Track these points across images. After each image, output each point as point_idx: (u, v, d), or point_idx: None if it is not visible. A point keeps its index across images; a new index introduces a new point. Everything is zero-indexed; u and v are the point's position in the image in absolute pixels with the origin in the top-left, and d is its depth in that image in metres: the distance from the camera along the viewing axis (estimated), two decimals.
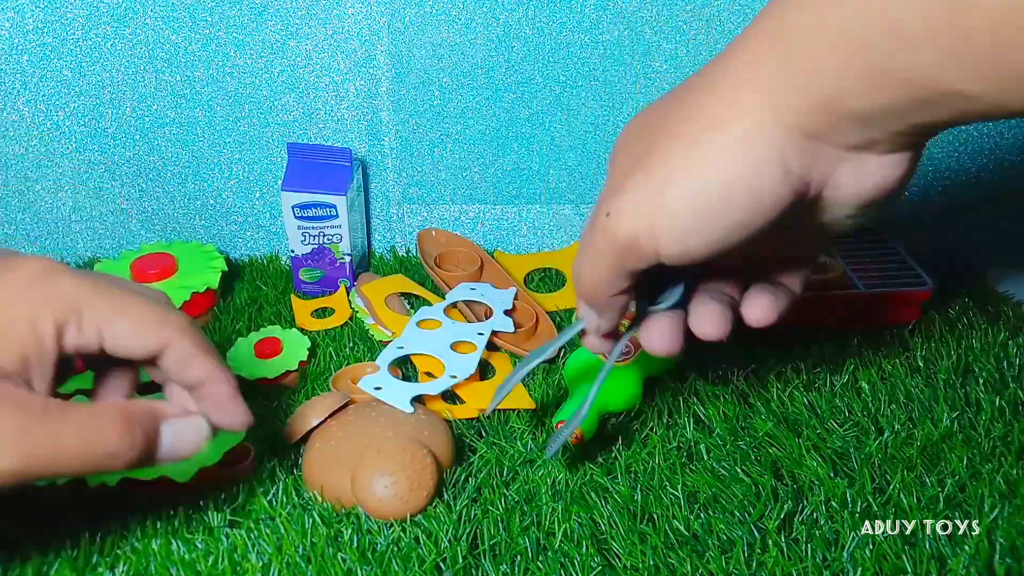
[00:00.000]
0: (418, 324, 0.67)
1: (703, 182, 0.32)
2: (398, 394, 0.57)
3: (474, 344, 0.65)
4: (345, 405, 0.57)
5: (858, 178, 0.33)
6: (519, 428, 0.58)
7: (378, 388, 0.58)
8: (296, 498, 0.51)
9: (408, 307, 0.71)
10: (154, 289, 0.43)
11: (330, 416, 0.56)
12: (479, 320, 0.69)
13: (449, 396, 0.62)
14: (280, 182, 0.73)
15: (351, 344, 0.69)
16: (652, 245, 0.34)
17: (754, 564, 0.46)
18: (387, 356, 0.62)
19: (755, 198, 0.31)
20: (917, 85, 0.28)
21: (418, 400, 0.57)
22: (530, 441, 0.57)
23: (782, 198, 0.32)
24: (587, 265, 0.38)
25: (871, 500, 0.50)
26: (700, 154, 0.32)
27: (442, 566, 0.47)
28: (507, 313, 0.70)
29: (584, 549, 0.47)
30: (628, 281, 0.37)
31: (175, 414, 0.40)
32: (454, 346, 0.65)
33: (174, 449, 0.40)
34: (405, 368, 0.64)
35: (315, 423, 0.55)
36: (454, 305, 0.70)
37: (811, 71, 0.30)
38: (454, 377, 0.61)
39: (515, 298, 0.72)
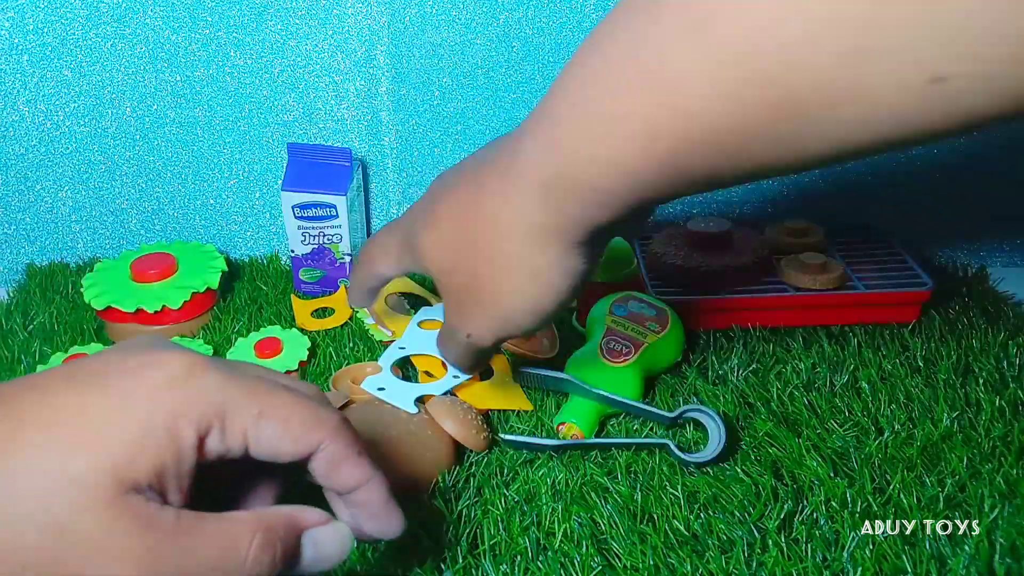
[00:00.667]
0: (419, 325, 0.67)
1: (531, 301, 0.42)
2: (402, 395, 0.57)
3: None
4: (344, 405, 0.57)
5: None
6: (519, 428, 0.58)
7: (381, 389, 0.58)
8: None
9: (408, 307, 0.71)
10: (306, 383, 0.39)
11: None
12: None
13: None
14: (280, 182, 0.73)
15: (351, 344, 0.69)
16: (502, 339, 0.46)
17: (754, 564, 0.46)
18: (389, 357, 0.62)
19: (565, 298, 0.42)
20: (700, 175, 0.33)
21: (420, 400, 0.57)
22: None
23: (577, 285, 0.42)
24: (457, 357, 0.50)
25: (871, 500, 0.50)
26: (521, 286, 0.41)
27: (442, 566, 0.47)
28: None
29: (584, 549, 0.47)
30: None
31: (316, 521, 0.36)
32: None
33: (315, 563, 0.36)
34: (405, 368, 0.64)
35: None
36: None
37: (576, 190, 0.36)
38: (456, 377, 0.60)
39: None
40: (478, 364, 0.51)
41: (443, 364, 0.62)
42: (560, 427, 0.57)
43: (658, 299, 0.65)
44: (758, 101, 0.28)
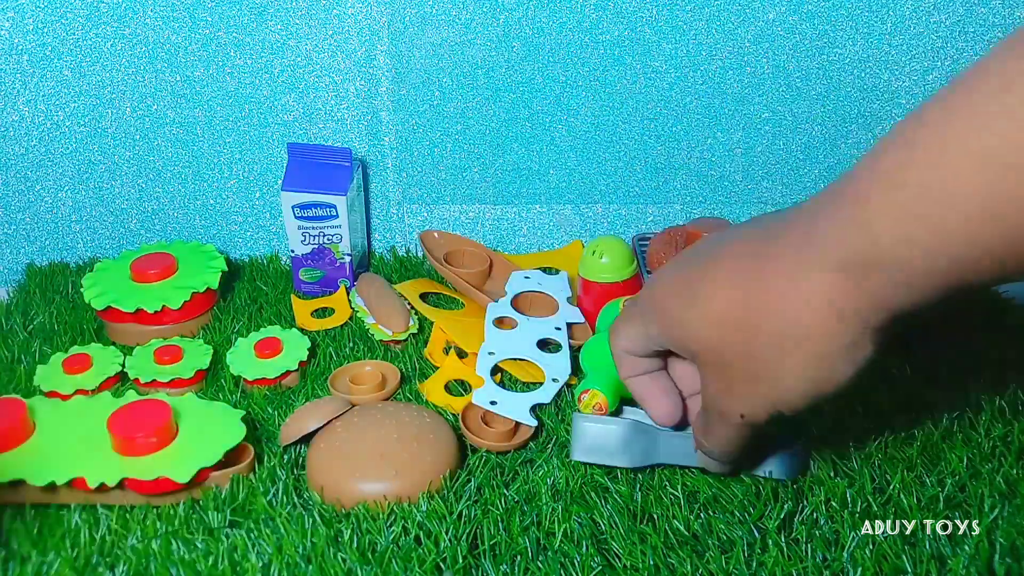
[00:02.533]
0: (495, 324, 0.67)
1: (811, 383, 0.39)
2: (516, 406, 0.57)
3: (558, 342, 0.65)
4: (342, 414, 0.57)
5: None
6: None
7: (494, 403, 0.57)
8: (296, 498, 0.51)
9: (408, 306, 0.71)
10: None
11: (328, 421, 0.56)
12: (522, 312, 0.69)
13: (454, 388, 0.62)
14: (280, 182, 0.73)
15: (351, 344, 0.69)
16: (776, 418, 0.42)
17: (754, 564, 0.46)
18: (485, 365, 0.61)
19: (847, 382, 0.39)
20: (983, 270, 0.32)
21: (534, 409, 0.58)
22: (530, 441, 0.57)
23: (862, 373, 0.38)
24: (727, 446, 0.46)
25: (871, 500, 0.50)
26: (804, 365, 0.38)
27: (442, 566, 0.47)
28: (569, 301, 0.70)
29: (584, 549, 0.47)
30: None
31: None
32: (539, 344, 0.65)
33: None
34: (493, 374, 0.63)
35: (310, 429, 0.55)
36: (516, 297, 0.70)
37: (887, 286, 0.34)
38: (555, 380, 0.61)
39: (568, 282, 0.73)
40: (744, 447, 0.46)
41: (536, 367, 0.62)
42: (583, 395, 0.56)
43: None
44: None
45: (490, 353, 0.63)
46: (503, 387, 0.62)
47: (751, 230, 0.41)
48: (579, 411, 0.53)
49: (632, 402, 0.55)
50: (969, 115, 0.30)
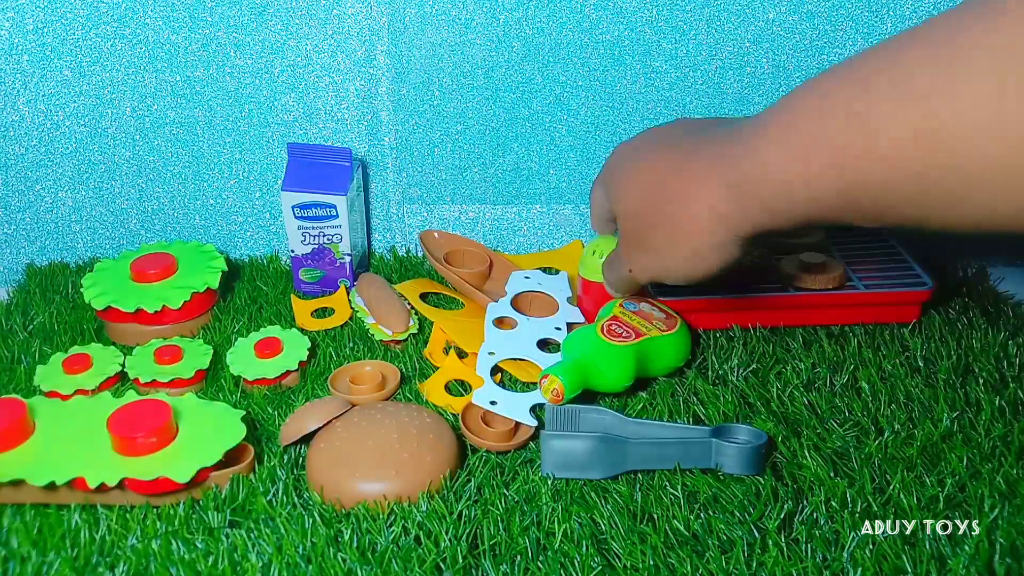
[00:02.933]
0: (495, 324, 0.67)
1: (693, 270, 0.51)
2: (517, 407, 0.57)
3: (558, 342, 0.65)
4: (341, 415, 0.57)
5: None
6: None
7: (494, 403, 0.57)
8: (296, 498, 0.51)
9: (408, 306, 0.71)
10: None
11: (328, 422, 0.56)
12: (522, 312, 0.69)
13: (454, 388, 0.62)
14: (280, 182, 0.73)
15: (351, 344, 0.69)
16: (655, 281, 0.58)
17: (754, 564, 0.46)
18: (485, 365, 0.62)
19: (724, 269, 0.50)
20: (868, 211, 0.41)
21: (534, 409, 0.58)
22: (530, 441, 0.57)
23: (726, 267, 0.50)
24: (617, 283, 0.62)
25: (871, 500, 0.50)
26: (688, 259, 0.50)
27: (442, 566, 0.47)
28: (569, 301, 0.70)
29: (584, 549, 0.47)
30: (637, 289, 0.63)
31: None
32: (539, 344, 0.65)
33: None
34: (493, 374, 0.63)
35: (310, 429, 0.55)
36: (516, 297, 0.70)
37: (766, 201, 0.44)
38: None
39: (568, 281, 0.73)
40: (628, 291, 0.63)
41: (536, 367, 0.63)
42: (543, 380, 0.57)
43: (671, 309, 0.65)
44: (939, 166, 0.36)
45: (490, 353, 0.63)
46: (503, 387, 0.62)
47: (697, 132, 0.50)
48: (545, 431, 0.54)
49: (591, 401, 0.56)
50: (848, 93, 0.39)
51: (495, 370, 0.63)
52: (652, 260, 0.53)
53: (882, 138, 0.37)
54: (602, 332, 0.60)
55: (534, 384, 0.61)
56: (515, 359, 0.64)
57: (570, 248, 0.82)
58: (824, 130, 0.40)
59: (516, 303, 0.70)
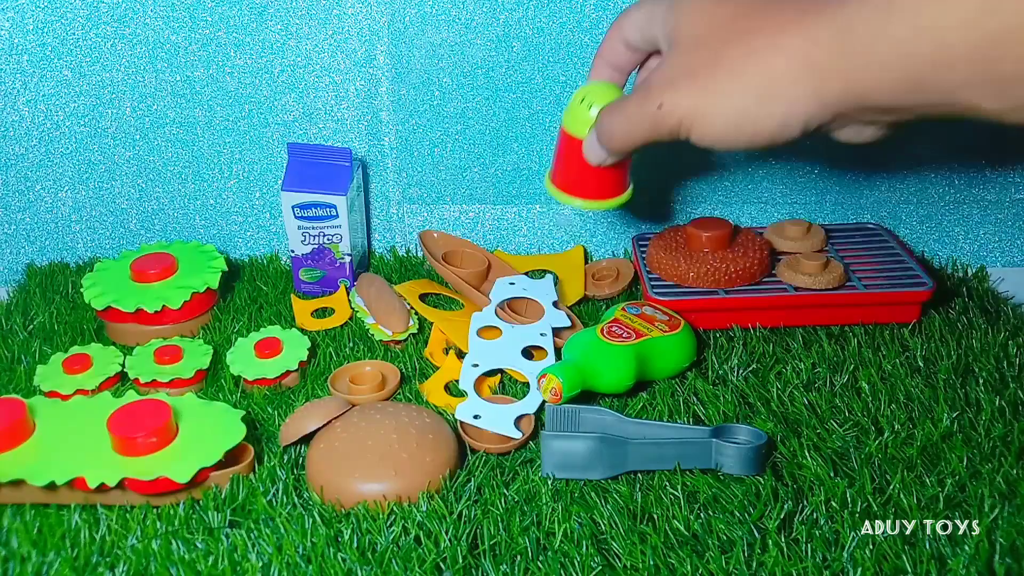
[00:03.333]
0: (478, 334, 0.66)
1: (742, 121, 0.43)
2: (501, 420, 0.57)
3: (543, 348, 0.64)
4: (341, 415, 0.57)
5: (853, 135, 0.45)
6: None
7: (477, 416, 0.57)
8: (296, 498, 0.51)
9: (408, 307, 0.71)
10: None
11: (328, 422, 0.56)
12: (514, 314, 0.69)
13: (454, 389, 0.62)
14: (280, 182, 0.73)
15: (351, 344, 0.69)
16: (686, 135, 0.45)
17: (754, 564, 0.46)
18: (469, 378, 0.61)
19: (774, 138, 0.43)
20: (945, 96, 0.37)
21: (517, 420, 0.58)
22: (529, 441, 0.57)
23: (793, 139, 0.43)
24: (623, 128, 0.49)
25: (871, 500, 0.50)
26: (749, 100, 0.42)
27: (442, 566, 0.47)
28: (555, 305, 0.70)
29: (584, 549, 0.47)
30: (646, 144, 0.49)
31: None
32: (523, 352, 0.64)
33: None
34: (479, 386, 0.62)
35: (310, 430, 0.55)
36: (501, 306, 0.69)
37: (859, 71, 0.39)
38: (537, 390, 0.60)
39: (556, 286, 0.73)
40: (625, 146, 0.50)
41: (521, 375, 0.62)
42: (541, 379, 0.57)
43: (674, 312, 0.65)
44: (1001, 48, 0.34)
45: (474, 365, 0.62)
46: (503, 388, 0.62)
47: None
48: (545, 429, 0.54)
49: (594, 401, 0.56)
50: None
51: (495, 372, 0.63)
52: (697, 95, 0.44)
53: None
54: (602, 333, 0.60)
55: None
56: (500, 369, 0.63)
57: (571, 253, 0.82)
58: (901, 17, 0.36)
59: (511, 307, 0.70)
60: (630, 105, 0.47)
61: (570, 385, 0.56)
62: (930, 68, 0.37)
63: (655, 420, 0.58)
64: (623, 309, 0.65)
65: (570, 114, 0.55)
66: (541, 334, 0.65)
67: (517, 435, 0.56)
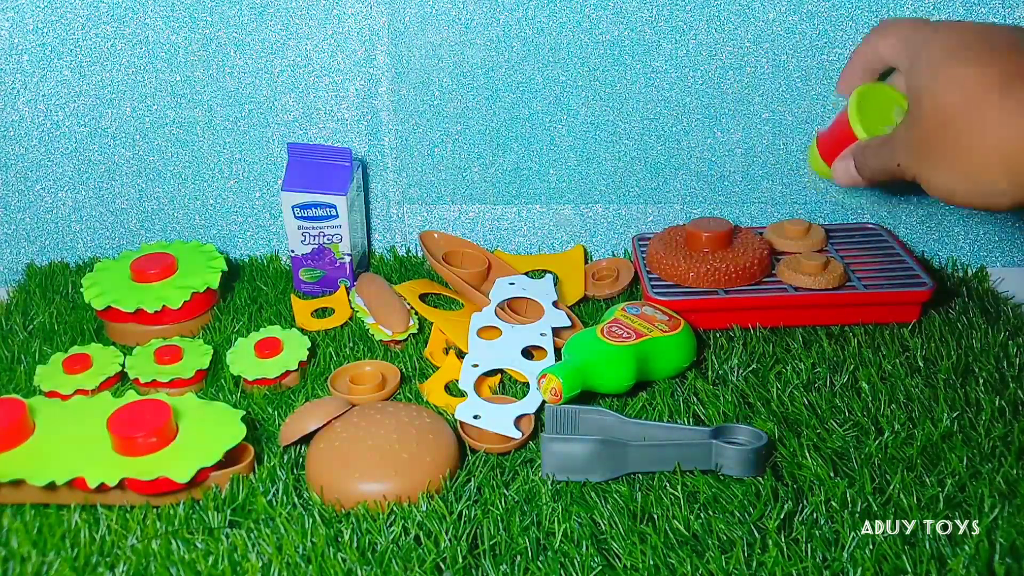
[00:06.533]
0: (478, 334, 0.66)
1: (954, 196, 0.48)
2: (501, 420, 0.57)
3: (543, 348, 0.64)
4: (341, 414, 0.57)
5: None
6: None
7: (477, 416, 0.57)
8: (296, 498, 0.51)
9: (408, 307, 0.71)
10: None
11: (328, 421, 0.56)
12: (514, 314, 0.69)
13: (454, 389, 0.62)
14: (280, 182, 0.73)
15: (351, 344, 0.69)
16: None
17: (754, 564, 0.46)
18: (469, 378, 0.61)
19: (988, 208, 0.47)
20: None
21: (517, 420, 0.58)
22: (530, 441, 0.57)
23: (989, 206, 0.47)
24: (873, 168, 0.54)
25: (871, 500, 0.50)
26: (959, 184, 0.47)
27: (442, 566, 0.47)
28: (555, 305, 0.69)
29: (584, 549, 0.47)
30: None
31: None
32: (523, 352, 0.64)
33: None
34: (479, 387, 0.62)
35: (310, 430, 0.55)
36: (501, 306, 0.69)
37: None
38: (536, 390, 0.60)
39: (556, 285, 0.72)
40: (878, 183, 0.58)
41: (522, 375, 0.62)
42: (541, 379, 0.57)
43: (674, 312, 0.65)
44: None
45: (474, 365, 0.62)
46: (503, 389, 0.62)
47: None
48: (544, 432, 0.54)
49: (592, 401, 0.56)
50: None
51: (496, 372, 0.63)
52: (927, 165, 0.48)
53: None
54: (602, 334, 0.60)
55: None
56: (500, 369, 0.63)
57: (571, 253, 0.82)
58: None
59: (511, 307, 0.70)
60: (882, 154, 0.53)
61: (570, 385, 0.56)
62: None
63: (655, 421, 0.58)
64: (623, 309, 0.65)
65: (866, 113, 0.58)
66: (541, 334, 0.65)
67: (517, 435, 0.56)
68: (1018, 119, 0.43)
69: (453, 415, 0.59)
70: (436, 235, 0.79)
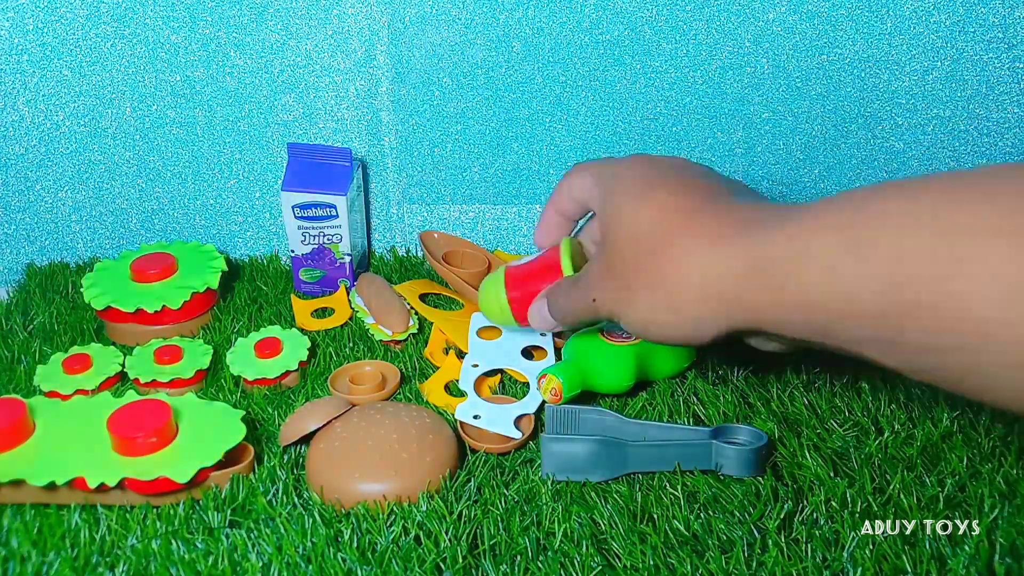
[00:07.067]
0: (478, 334, 0.66)
1: (655, 327, 0.46)
2: (501, 420, 0.57)
3: (543, 348, 0.64)
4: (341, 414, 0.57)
5: (759, 343, 0.48)
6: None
7: (477, 416, 0.57)
8: (296, 498, 0.51)
9: (408, 307, 0.71)
10: None
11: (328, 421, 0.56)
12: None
13: (454, 389, 0.62)
14: (280, 182, 0.73)
15: (351, 344, 0.69)
16: (621, 322, 0.48)
17: (754, 564, 0.46)
18: (469, 378, 0.61)
19: (688, 342, 0.46)
20: (850, 345, 0.40)
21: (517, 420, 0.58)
22: (530, 441, 0.57)
23: (709, 345, 0.46)
24: (568, 309, 0.52)
25: (871, 500, 0.50)
26: (660, 313, 0.45)
27: (442, 566, 0.47)
28: None
29: (584, 549, 0.47)
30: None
31: None
32: (523, 352, 0.64)
33: None
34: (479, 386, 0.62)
35: (310, 429, 0.55)
36: None
37: (766, 308, 0.41)
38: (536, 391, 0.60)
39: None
40: (573, 325, 0.54)
41: (522, 375, 0.62)
42: (541, 379, 0.57)
43: None
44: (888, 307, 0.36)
45: (474, 365, 0.62)
46: (503, 389, 0.62)
47: (722, 184, 0.47)
48: (544, 433, 0.54)
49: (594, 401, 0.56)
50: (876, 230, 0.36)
51: (496, 372, 0.63)
52: (624, 296, 0.46)
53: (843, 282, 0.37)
54: (602, 333, 0.60)
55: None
56: (500, 369, 0.63)
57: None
58: (810, 266, 0.38)
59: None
60: (574, 292, 0.51)
61: (570, 385, 0.57)
62: (837, 319, 0.38)
63: (655, 420, 0.58)
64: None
65: (574, 259, 0.56)
66: (541, 334, 0.65)
67: (517, 435, 0.56)
68: (712, 245, 0.42)
69: (453, 415, 0.59)
70: (436, 235, 0.79)
